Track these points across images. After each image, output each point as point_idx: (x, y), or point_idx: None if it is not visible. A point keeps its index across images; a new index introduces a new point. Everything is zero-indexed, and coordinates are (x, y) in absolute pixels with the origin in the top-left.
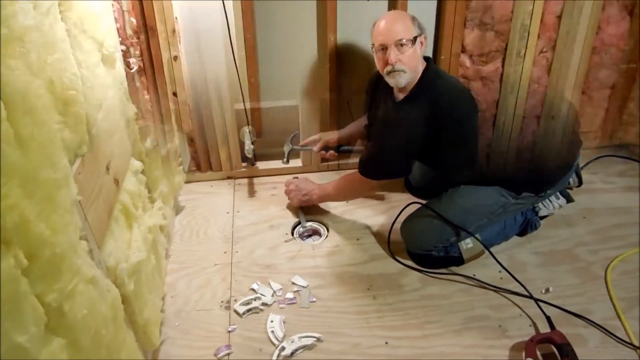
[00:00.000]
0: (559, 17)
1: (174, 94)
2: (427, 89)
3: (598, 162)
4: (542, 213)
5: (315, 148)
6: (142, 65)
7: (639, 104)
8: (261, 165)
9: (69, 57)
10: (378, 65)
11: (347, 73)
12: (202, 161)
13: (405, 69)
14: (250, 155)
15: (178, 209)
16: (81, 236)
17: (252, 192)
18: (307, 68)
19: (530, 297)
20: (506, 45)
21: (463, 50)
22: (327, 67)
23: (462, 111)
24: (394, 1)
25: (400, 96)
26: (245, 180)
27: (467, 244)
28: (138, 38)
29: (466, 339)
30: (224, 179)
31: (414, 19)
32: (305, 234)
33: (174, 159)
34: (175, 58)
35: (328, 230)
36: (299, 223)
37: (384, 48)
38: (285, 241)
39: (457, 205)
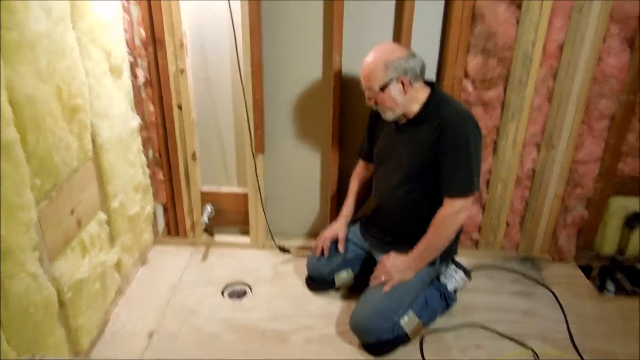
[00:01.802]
0: (561, 45)
1: (179, 107)
2: (432, 113)
3: (496, 270)
4: (450, 287)
5: (341, 248)
6: (148, 77)
7: (639, 136)
8: (218, 237)
9: (77, 65)
10: None
11: (352, 96)
12: (172, 228)
13: (384, 108)
14: (204, 227)
15: (144, 262)
16: (35, 247)
17: (205, 257)
18: (311, 87)
19: None
20: (508, 71)
21: (466, 75)
22: (332, 86)
23: (467, 135)
24: (400, 28)
25: (404, 120)
26: (203, 248)
27: (405, 320)
28: (146, 50)
29: None
30: (187, 244)
31: (388, 63)
32: (234, 294)
33: (144, 221)
34: (182, 71)
35: (251, 292)
36: (230, 284)
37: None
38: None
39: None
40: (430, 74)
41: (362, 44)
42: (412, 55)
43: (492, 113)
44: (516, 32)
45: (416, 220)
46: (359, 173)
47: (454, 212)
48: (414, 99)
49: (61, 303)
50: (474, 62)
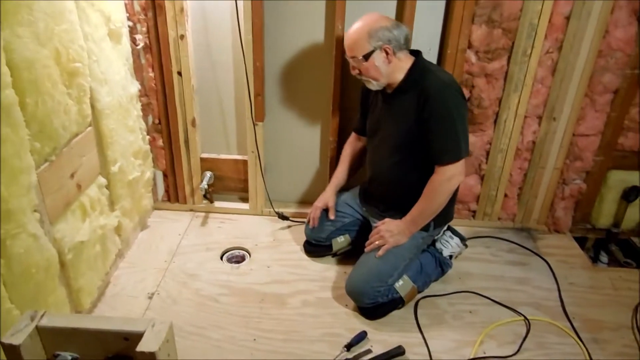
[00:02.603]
0: (567, 18)
1: (179, 73)
2: (415, 82)
3: (492, 239)
4: (445, 253)
5: (332, 216)
6: (148, 42)
7: None
8: (218, 204)
9: (76, 28)
10: None
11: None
12: (172, 194)
13: (368, 78)
14: (203, 194)
15: (144, 227)
16: (36, 209)
17: (204, 223)
18: (313, 54)
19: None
20: (513, 43)
21: (469, 46)
22: (333, 54)
23: (450, 103)
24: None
25: (389, 90)
26: (203, 214)
27: (399, 283)
28: (145, 15)
29: (316, 347)
30: (187, 210)
31: (372, 32)
32: (233, 259)
33: (143, 187)
34: (182, 37)
35: (250, 257)
36: (229, 250)
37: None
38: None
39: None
40: (434, 44)
41: (365, 11)
42: (397, 25)
43: (495, 84)
44: (522, 2)
45: (407, 189)
46: (350, 142)
47: (446, 178)
48: (398, 69)
49: (62, 264)
50: (478, 33)
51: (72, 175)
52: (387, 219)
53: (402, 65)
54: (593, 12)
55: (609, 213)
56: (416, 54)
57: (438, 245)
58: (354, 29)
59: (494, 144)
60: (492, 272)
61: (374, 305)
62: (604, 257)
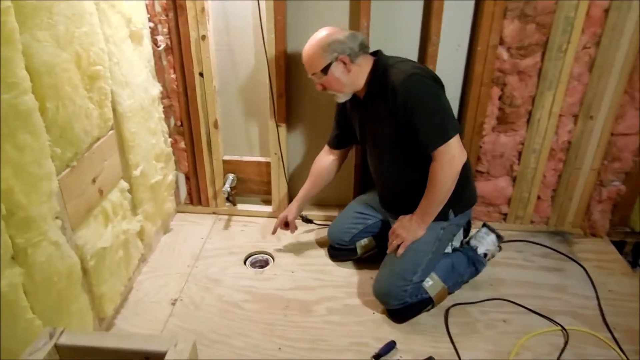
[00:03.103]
0: (606, 10)
1: (201, 75)
2: (380, 83)
3: (525, 243)
4: (480, 250)
5: (291, 231)
6: (169, 43)
7: None
8: (240, 206)
9: (96, 31)
10: None
11: None
12: (194, 197)
13: (333, 92)
14: (225, 197)
15: (166, 230)
16: (58, 216)
17: (227, 226)
18: None
19: None
20: (547, 38)
21: (501, 42)
22: None
23: (416, 91)
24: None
25: (361, 94)
26: (226, 217)
27: (428, 282)
28: (167, 15)
29: (343, 356)
30: (209, 213)
31: (325, 46)
32: (257, 263)
33: (166, 190)
34: (204, 37)
35: (274, 262)
36: (253, 254)
37: None
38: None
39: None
40: (463, 41)
41: (391, 9)
42: (350, 34)
43: (528, 82)
44: None
45: (414, 187)
46: (320, 156)
47: (446, 162)
48: (360, 74)
49: (84, 271)
50: (510, 28)
51: (93, 180)
52: (400, 217)
53: (363, 70)
54: (634, 3)
55: None
56: (376, 53)
57: (473, 242)
58: (308, 46)
59: (526, 144)
60: (525, 279)
61: (403, 306)
62: None
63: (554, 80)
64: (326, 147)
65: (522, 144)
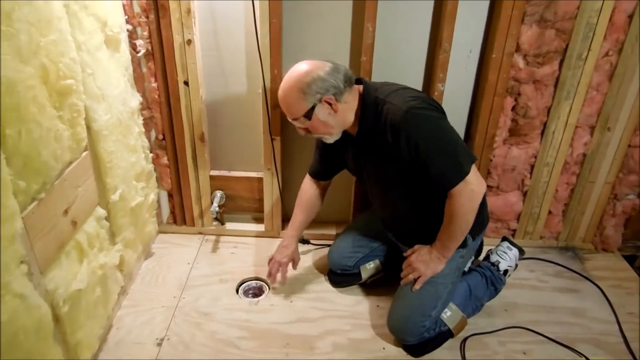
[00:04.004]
0: (630, 16)
1: (186, 83)
2: (375, 120)
3: (536, 261)
4: (502, 266)
5: (294, 268)
6: (150, 48)
7: None
8: (229, 225)
9: (66, 38)
10: None
11: (384, 71)
12: (178, 216)
13: (319, 135)
14: (214, 216)
15: (148, 255)
16: (23, 260)
17: (215, 249)
18: (338, 61)
19: None
20: (567, 45)
21: (517, 49)
22: (361, 60)
23: (421, 128)
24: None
25: (352, 133)
26: (213, 237)
27: (446, 313)
28: (147, 17)
29: None
30: (195, 233)
31: (304, 88)
32: (250, 291)
33: (147, 211)
34: (189, 42)
35: (269, 289)
36: (245, 281)
37: None
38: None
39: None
40: (475, 47)
41: (400, 10)
42: (331, 67)
43: (544, 92)
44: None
45: (423, 219)
46: (306, 188)
47: (465, 198)
48: (348, 111)
49: (57, 319)
50: (528, 34)
51: (65, 212)
52: (417, 247)
53: (351, 106)
54: None
55: None
56: (359, 81)
57: (494, 257)
58: (283, 89)
59: (539, 157)
60: (541, 302)
61: (420, 341)
62: None
63: (571, 89)
64: (309, 178)
65: (535, 157)
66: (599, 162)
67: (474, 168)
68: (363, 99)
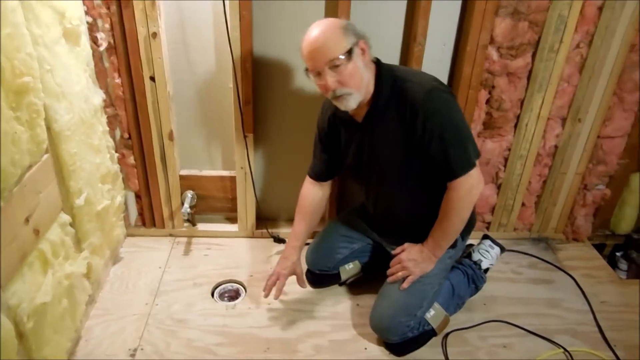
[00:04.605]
0: (600, 9)
1: (152, 78)
2: (390, 98)
3: (510, 253)
4: (484, 265)
5: (302, 285)
6: (112, 41)
7: None
8: (201, 226)
9: (22, 32)
10: (321, 90)
11: None
12: (147, 218)
13: (351, 90)
14: (185, 218)
15: (116, 260)
16: None
17: (187, 251)
18: None
19: None
20: (539, 37)
21: (491, 41)
22: None
23: (443, 111)
24: None
25: (358, 119)
26: (185, 239)
27: (431, 314)
28: (108, 9)
29: None
30: (165, 236)
31: (345, 26)
32: (226, 294)
33: (114, 215)
34: (154, 35)
35: (246, 292)
36: (220, 284)
37: (319, 73)
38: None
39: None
40: (449, 40)
41: (372, 9)
42: None
43: (518, 84)
44: None
45: (424, 214)
46: (308, 193)
47: (466, 191)
48: (371, 77)
49: (21, 336)
50: (502, 26)
51: (26, 220)
52: (407, 245)
53: (371, 75)
54: (628, 2)
55: (631, 218)
56: (374, 61)
57: (476, 256)
58: (321, 29)
59: (513, 149)
60: (517, 294)
61: (403, 340)
62: (623, 265)
63: (544, 82)
64: (310, 181)
65: (509, 149)
66: (570, 153)
67: (478, 164)
68: (378, 75)
